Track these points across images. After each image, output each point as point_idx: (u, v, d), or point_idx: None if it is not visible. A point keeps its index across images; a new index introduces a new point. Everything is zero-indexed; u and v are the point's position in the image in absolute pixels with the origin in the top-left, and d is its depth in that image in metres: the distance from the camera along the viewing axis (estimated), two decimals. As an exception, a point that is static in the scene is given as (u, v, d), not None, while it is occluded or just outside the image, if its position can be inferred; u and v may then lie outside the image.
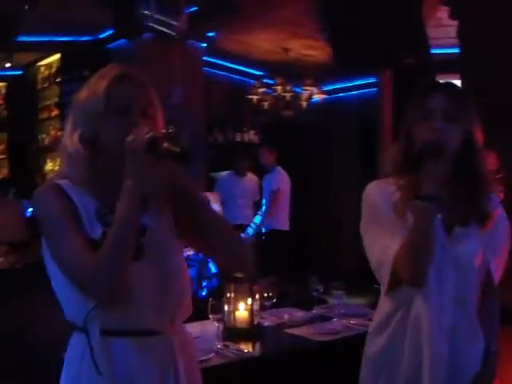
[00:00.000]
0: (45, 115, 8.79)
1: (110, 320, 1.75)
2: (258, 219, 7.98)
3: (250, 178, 8.15)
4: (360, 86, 8.61)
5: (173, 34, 5.35)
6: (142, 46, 7.01)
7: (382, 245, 2.05)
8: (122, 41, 6.96)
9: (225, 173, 8.28)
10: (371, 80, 8.07)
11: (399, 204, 2.05)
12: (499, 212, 2.16)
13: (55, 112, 8.51)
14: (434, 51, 5.97)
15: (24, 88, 9.17)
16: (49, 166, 8.55)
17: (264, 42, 7.92)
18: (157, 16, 5.28)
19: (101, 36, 7.58)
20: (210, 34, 7.66)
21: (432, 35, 5.62)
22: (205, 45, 7.79)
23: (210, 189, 7.87)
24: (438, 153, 1.95)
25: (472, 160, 2.05)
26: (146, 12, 5.30)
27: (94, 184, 1.79)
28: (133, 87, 1.80)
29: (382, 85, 7.59)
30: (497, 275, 2.16)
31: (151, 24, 5.35)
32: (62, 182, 1.78)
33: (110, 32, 7.29)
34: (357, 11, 5.18)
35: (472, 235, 2.08)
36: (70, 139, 1.79)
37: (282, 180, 7.95)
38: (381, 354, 2.16)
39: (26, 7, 5.07)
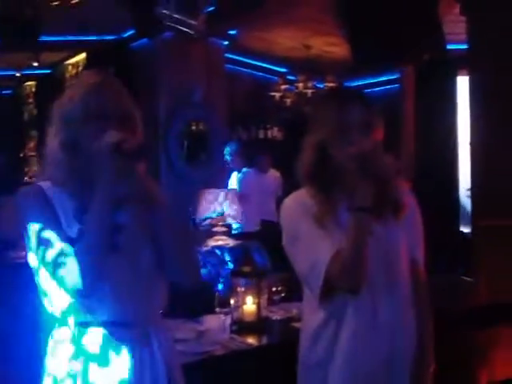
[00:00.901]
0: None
1: (86, 311, 1.88)
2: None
3: (273, 174, 8.21)
4: (382, 82, 8.61)
5: (191, 32, 5.42)
6: (163, 44, 7.12)
7: (311, 257, 2.08)
8: (145, 39, 7.04)
9: (247, 169, 8.34)
10: (393, 76, 8.07)
11: (319, 216, 2.09)
12: (410, 200, 2.23)
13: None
14: (454, 46, 5.97)
15: (52, 86, 9.33)
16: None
17: (286, 39, 7.97)
18: (175, 15, 5.35)
19: (124, 35, 7.69)
20: (232, 32, 7.73)
21: (451, 30, 5.63)
22: (227, 42, 7.86)
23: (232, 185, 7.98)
24: (368, 168, 1.98)
25: (381, 165, 2.05)
26: (164, 11, 5.38)
27: (73, 184, 1.91)
28: (109, 95, 1.92)
29: (403, 81, 7.60)
30: (421, 261, 2.25)
31: (170, 23, 5.43)
32: (44, 184, 1.92)
33: (132, 31, 7.39)
34: (373, 8, 5.21)
35: (392, 229, 2.13)
36: (52, 144, 1.92)
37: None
38: (318, 366, 2.19)
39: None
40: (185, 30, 5.42)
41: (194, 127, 7.68)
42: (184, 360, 2.39)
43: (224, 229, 5.48)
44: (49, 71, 9.49)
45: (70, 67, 9.08)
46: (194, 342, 3.10)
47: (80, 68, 8.78)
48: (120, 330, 1.91)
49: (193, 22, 5.35)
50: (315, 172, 2.13)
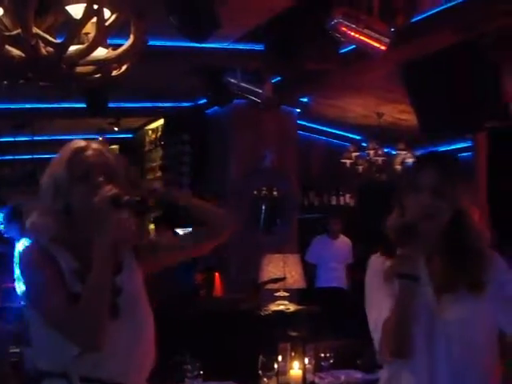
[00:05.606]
0: (150, 176, 9.19)
1: (87, 368, 1.94)
2: None
3: (343, 240, 8.17)
4: (456, 150, 8.50)
5: (258, 101, 5.60)
6: (236, 111, 7.34)
7: (374, 315, 2.06)
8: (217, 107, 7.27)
9: (318, 236, 8.34)
10: (467, 144, 7.98)
11: (388, 272, 2.05)
12: (503, 274, 2.07)
13: (158, 174, 8.94)
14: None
15: (133, 150, 9.68)
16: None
17: (358, 107, 8.03)
18: (242, 84, 5.55)
19: (199, 102, 7.95)
20: (304, 100, 7.87)
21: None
22: (299, 110, 8.00)
23: (304, 252, 7.95)
24: (412, 236, 1.93)
25: (463, 236, 2.02)
26: (232, 80, 5.59)
27: (73, 244, 2.02)
28: (90, 155, 2.04)
29: (476, 149, 7.49)
30: None
31: (237, 91, 5.63)
32: (46, 243, 2.01)
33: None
34: (435, 77, 5.25)
35: (461, 302, 2.02)
36: (47, 208, 2.02)
37: None
38: None
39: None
40: (252, 97, 5.60)
41: (265, 192, 7.79)
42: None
43: (285, 293, 5.50)
44: (130, 136, 9.89)
45: (149, 132, 9.43)
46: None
47: (159, 133, 9.11)
48: None
49: (259, 91, 5.53)
50: (397, 231, 2.06)
